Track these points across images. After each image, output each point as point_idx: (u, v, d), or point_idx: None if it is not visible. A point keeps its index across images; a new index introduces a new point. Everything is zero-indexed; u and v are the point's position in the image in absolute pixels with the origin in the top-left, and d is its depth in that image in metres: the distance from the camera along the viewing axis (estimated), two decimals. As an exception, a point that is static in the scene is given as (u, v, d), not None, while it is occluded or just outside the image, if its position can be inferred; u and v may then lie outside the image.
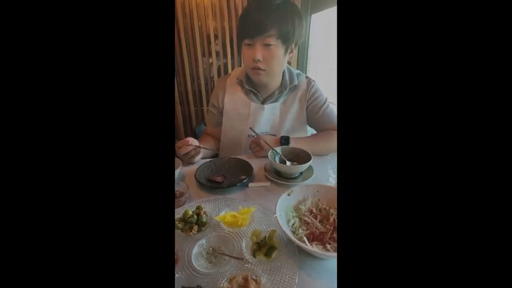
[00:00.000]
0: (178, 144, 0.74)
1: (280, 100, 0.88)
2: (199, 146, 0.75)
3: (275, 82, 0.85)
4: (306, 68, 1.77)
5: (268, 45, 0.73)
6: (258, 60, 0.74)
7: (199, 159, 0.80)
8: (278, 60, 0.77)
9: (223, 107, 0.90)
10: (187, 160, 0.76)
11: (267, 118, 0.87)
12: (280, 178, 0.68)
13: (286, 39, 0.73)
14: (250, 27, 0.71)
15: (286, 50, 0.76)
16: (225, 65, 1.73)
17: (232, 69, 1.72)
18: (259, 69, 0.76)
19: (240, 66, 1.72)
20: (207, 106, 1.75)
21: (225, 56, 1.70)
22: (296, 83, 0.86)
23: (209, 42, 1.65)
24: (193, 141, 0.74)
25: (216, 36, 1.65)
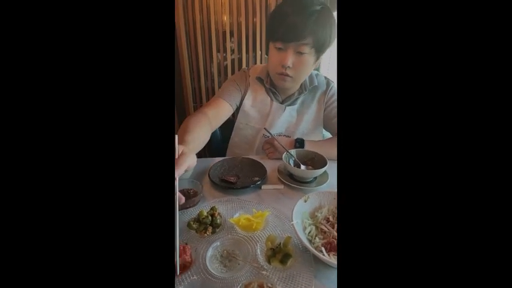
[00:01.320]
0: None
1: (299, 101, 0.86)
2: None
3: (297, 87, 0.84)
4: (319, 66, 1.74)
5: (302, 53, 0.69)
6: (288, 67, 0.71)
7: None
8: (307, 69, 0.75)
9: (244, 96, 0.85)
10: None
11: (285, 119, 0.86)
12: (293, 182, 0.67)
13: (320, 49, 0.70)
14: (285, 31, 0.67)
15: (316, 59, 0.74)
16: (239, 59, 1.72)
17: (246, 65, 1.71)
18: (287, 75, 0.73)
19: (255, 62, 1.71)
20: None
21: (240, 52, 1.68)
22: (316, 83, 0.84)
23: (224, 38, 1.64)
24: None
25: (231, 33, 1.64)
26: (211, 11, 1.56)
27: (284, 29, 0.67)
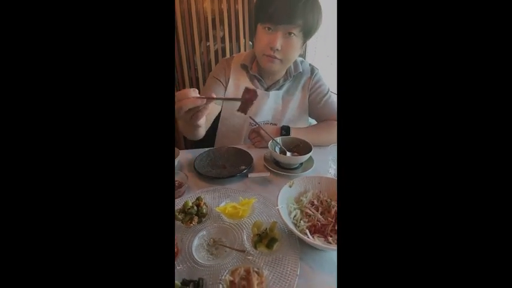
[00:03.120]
0: (178, 96, 0.45)
1: (284, 88, 0.85)
2: (209, 98, 0.46)
3: (283, 71, 0.83)
4: (305, 53, 1.73)
5: (290, 33, 0.69)
6: (277, 49, 0.70)
7: (204, 122, 0.54)
8: (295, 51, 0.74)
9: (227, 86, 0.85)
10: (191, 121, 0.48)
11: (270, 106, 0.85)
12: (280, 169, 0.67)
13: (308, 33, 0.71)
14: (276, 12, 0.66)
15: (303, 43, 0.74)
16: (223, 49, 1.68)
17: (230, 54, 1.67)
18: (275, 57, 0.72)
19: (239, 51, 1.67)
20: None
21: (223, 40, 1.64)
22: (301, 70, 0.83)
23: (206, 26, 1.59)
24: (194, 92, 0.45)
25: (213, 20, 1.58)
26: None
27: (274, 10, 0.66)
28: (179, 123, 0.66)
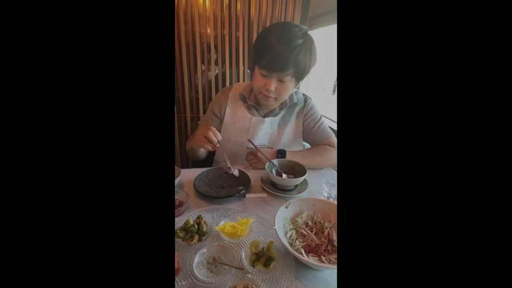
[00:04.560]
0: (206, 131, 0.71)
1: (279, 115, 0.92)
2: (217, 147, 0.74)
3: (278, 104, 0.90)
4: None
5: (283, 81, 0.77)
6: (271, 90, 0.78)
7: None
8: (288, 92, 0.83)
9: (223, 117, 0.92)
10: (204, 147, 0.74)
11: (266, 131, 0.91)
12: (276, 190, 0.71)
13: (300, 77, 0.79)
14: (270, 62, 0.73)
15: (296, 84, 0.82)
16: (223, 73, 1.77)
17: (229, 78, 1.76)
18: (270, 97, 0.80)
19: (238, 76, 1.76)
20: (203, 114, 1.78)
21: (224, 64, 1.73)
22: (295, 100, 0.91)
23: (209, 51, 1.69)
24: (216, 134, 0.72)
25: (215, 45, 1.69)
26: (196, 24, 1.61)
27: (269, 59, 0.73)
28: (189, 144, 0.89)
